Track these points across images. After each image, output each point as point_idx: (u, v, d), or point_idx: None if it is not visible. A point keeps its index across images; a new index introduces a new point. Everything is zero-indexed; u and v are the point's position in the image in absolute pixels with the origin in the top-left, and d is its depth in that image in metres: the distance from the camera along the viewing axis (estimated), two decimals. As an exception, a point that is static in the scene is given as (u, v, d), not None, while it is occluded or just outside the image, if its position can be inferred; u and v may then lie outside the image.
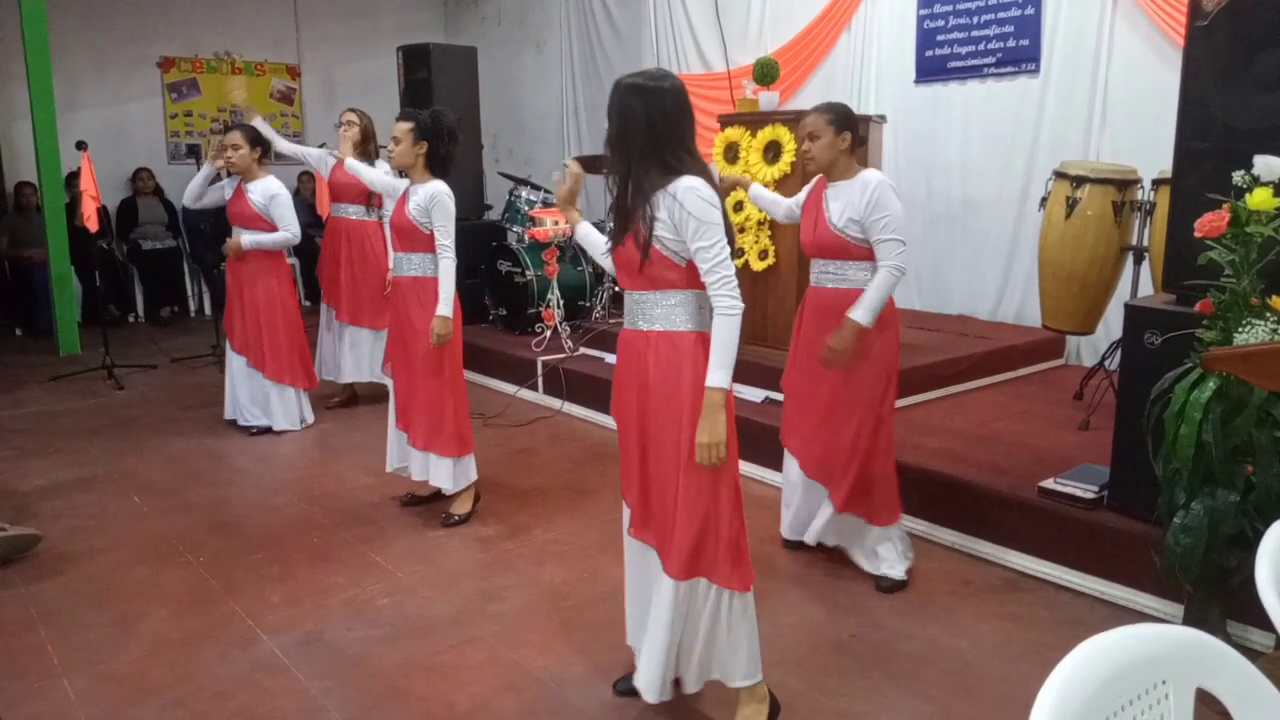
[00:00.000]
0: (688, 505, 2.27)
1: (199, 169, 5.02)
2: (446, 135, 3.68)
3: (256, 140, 4.92)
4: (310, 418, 5.25)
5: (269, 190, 4.88)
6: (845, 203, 3.09)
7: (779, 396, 4.29)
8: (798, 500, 3.44)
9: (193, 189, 5.03)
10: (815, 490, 3.35)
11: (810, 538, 3.40)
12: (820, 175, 3.25)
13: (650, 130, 2.20)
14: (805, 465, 3.34)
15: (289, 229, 4.90)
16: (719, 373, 2.20)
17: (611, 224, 2.35)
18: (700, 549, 2.29)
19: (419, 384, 3.78)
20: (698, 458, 2.22)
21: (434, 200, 3.63)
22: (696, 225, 2.16)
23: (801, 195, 3.36)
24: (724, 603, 2.35)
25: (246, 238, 4.87)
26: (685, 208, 2.16)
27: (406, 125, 3.62)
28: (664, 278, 2.24)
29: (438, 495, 3.97)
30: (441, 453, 3.80)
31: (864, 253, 3.09)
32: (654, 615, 2.36)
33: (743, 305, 2.21)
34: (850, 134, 3.11)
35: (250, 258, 4.93)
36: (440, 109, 3.75)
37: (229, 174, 4.98)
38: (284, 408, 5.10)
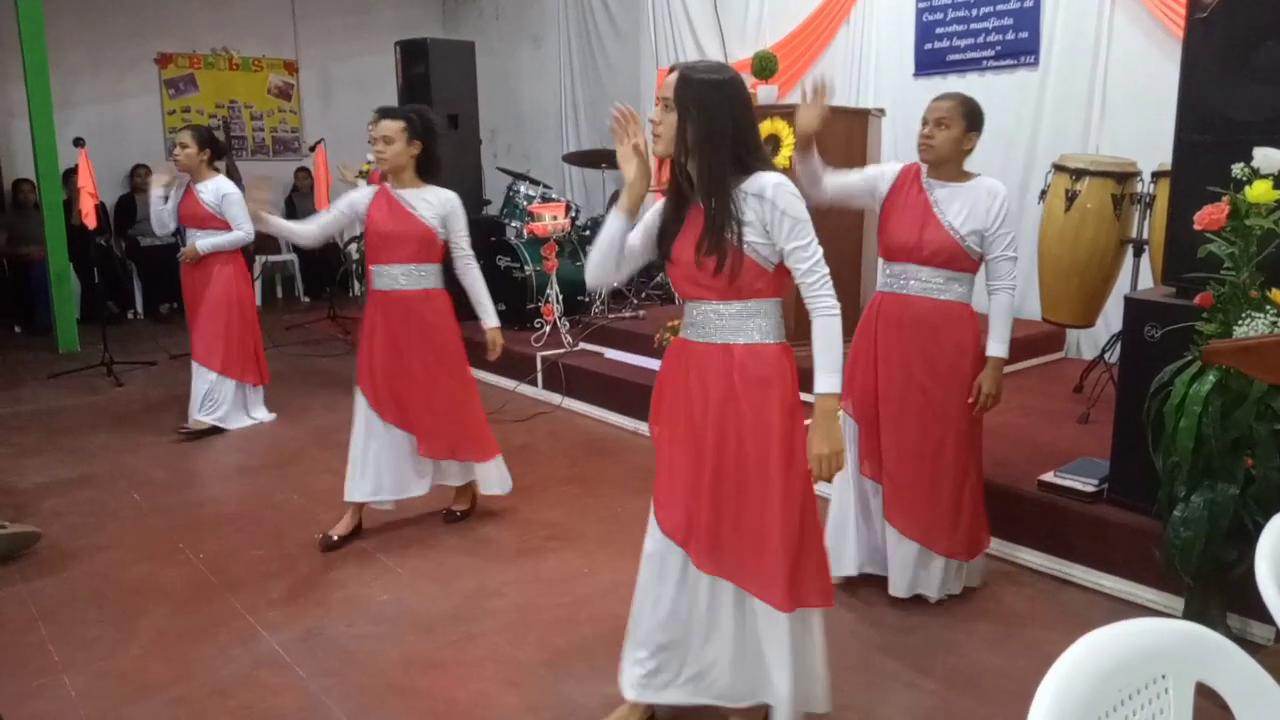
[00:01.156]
0: (784, 529, 2.14)
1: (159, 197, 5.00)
2: (437, 133, 3.52)
3: (206, 142, 4.88)
4: (265, 416, 5.24)
5: (220, 189, 4.87)
6: (967, 209, 2.83)
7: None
8: (864, 529, 3.13)
9: (157, 217, 5.02)
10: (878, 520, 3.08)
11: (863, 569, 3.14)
12: (905, 166, 2.97)
13: (737, 127, 2.07)
14: (895, 518, 3.00)
15: (242, 227, 4.88)
16: (831, 377, 2.09)
17: (661, 230, 2.20)
18: (800, 573, 2.17)
19: (457, 399, 3.66)
20: (817, 471, 2.12)
21: (453, 209, 3.53)
22: (792, 224, 2.05)
23: (878, 178, 2.99)
24: (812, 623, 2.25)
25: (203, 242, 4.88)
26: (779, 206, 2.04)
27: (398, 124, 3.39)
28: (752, 287, 2.10)
29: (357, 531, 3.69)
30: (490, 458, 3.72)
31: (972, 264, 2.87)
32: (775, 653, 2.18)
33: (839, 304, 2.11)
34: (977, 136, 2.88)
35: (207, 259, 4.94)
36: (423, 106, 3.55)
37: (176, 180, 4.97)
38: (233, 406, 5.08)
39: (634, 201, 2.14)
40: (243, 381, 5.10)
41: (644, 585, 2.32)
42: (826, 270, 2.10)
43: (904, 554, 3.01)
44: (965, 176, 2.92)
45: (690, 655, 2.29)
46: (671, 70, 2.12)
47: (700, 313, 2.18)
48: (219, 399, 5.04)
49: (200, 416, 5.01)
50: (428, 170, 3.54)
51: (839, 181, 2.98)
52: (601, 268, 2.22)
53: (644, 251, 2.26)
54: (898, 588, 3.04)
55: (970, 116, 2.87)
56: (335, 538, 3.59)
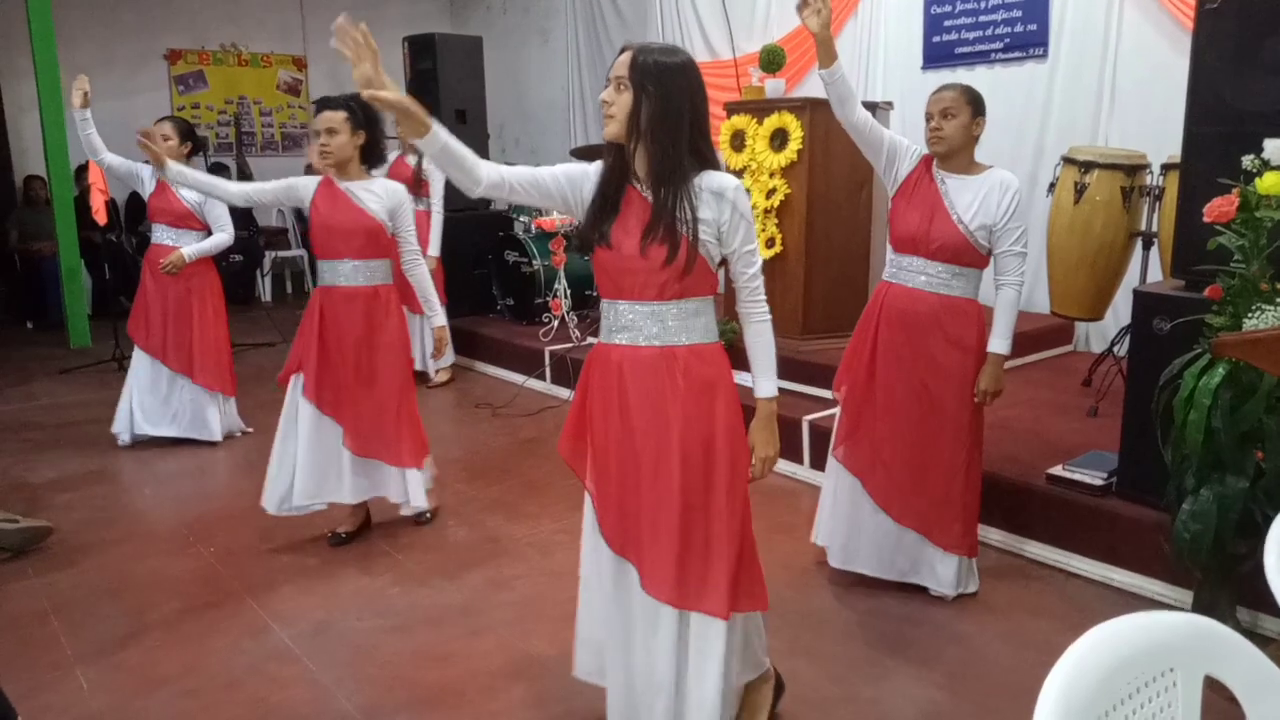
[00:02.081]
0: (729, 534, 2.06)
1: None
2: (380, 122, 3.37)
3: (187, 134, 4.62)
4: (237, 426, 4.97)
5: None
6: (978, 202, 2.80)
7: (788, 385, 4.30)
8: (849, 525, 3.10)
9: (87, 141, 4.43)
10: (873, 513, 3.04)
11: (864, 568, 3.10)
12: (925, 155, 2.95)
13: (694, 113, 1.96)
14: (891, 506, 3.00)
15: (225, 230, 4.65)
16: (771, 382, 2.12)
17: (594, 213, 2.06)
18: (739, 579, 2.09)
19: (393, 400, 3.50)
20: (757, 472, 2.12)
21: (402, 203, 3.45)
22: (748, 228, 2.01)
23: (900, 150, 2.96)
24: (746, 621, 2.21)
25: (189, 249, 4.58)
26: (739, 209, 1.98)
27: (340, 115, 3.27)
28: (698, 285, 2.02)
29: (366, 526, 3.69)
30: (418, 464, 3.57)
31: (980, 259, 2.86)
32: (707, 667, 2.07)
33: None
34: (983, 121, 2.86)
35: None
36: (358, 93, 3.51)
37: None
38: (207, 417, 4.78)
39: (419, 123, 1.90)
40: (227, 394, 4.88)
41: (587, 600, 2.26)
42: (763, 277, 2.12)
43: (900, 540, 3.02)
44: (977, 168, 2.90)
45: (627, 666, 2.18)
46: (623, 51, 1.98)
47: (635, 314, 2.04)
48: (204, 411, 4.78)
49: (173, 432, 4.75)
50: (371, 160, 3.45)
51: (873, 122, 2.92)
52: (460, 183, 2.01)
53: (551, 197, 2.08)
54: (889, 570, 3.06)
55: (974, 103, 2.88)
56: (344, 534, 3.58)
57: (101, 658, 2.78)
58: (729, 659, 2.12)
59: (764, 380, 2.12)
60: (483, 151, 7.29)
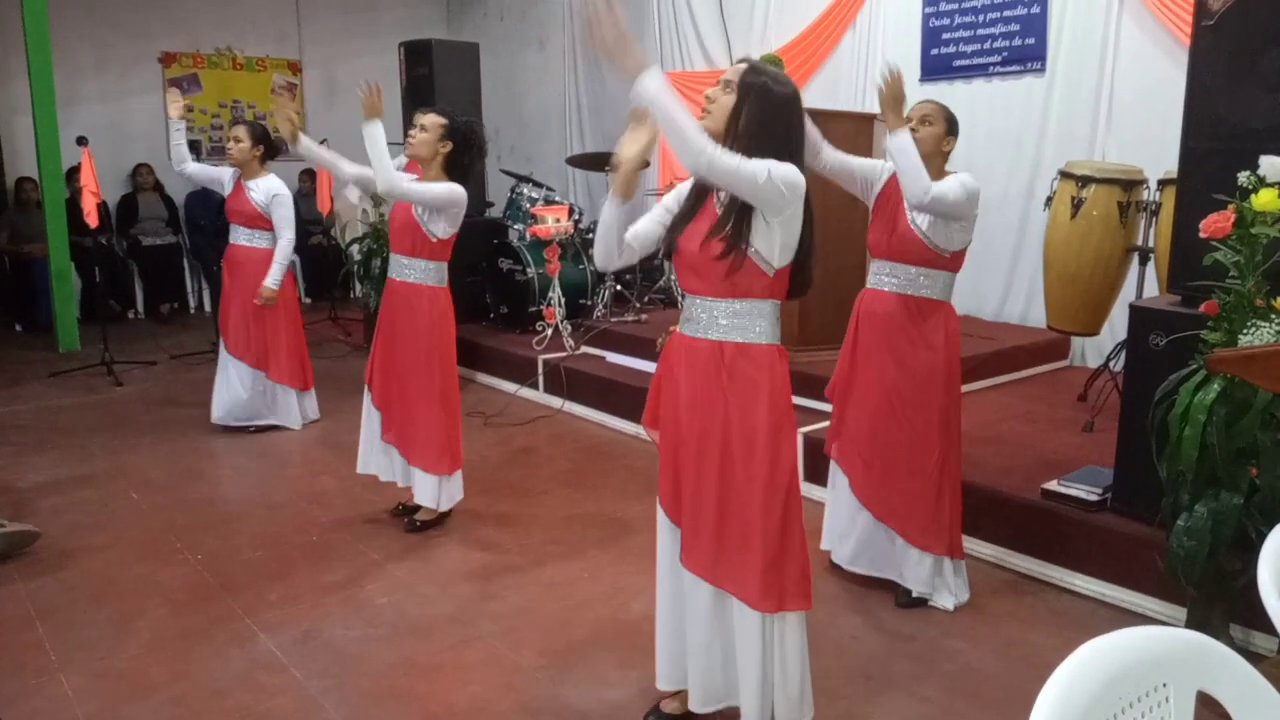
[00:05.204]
0: (765, 530, 2.17)
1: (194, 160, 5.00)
2: (475, 146, 3.57)
3: (259, 138, 4.85)
4: (314, 414, 5.24)
5: (272, 189, 4.83)
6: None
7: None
8: (849, 522, 3.20)
9: (179, 154, 4.90)
10: (860, 509, 3.15)
11: (852, 563, 3.22)
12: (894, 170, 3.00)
13: (787, 134, 2.12)
14: (872, 503, 3.11)
15: (284, 234, 4.85)
16: (657, 80, 1.96)
17: (676, 218, 2.23)
18: (781, 576, 2.20)
19: (414, 397, 3.65)
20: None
21: (444, 206, 3.52)
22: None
23: (876, 171, 3.08)
24: (788, 630, 2.27)
25: (272, 280, 4.81)
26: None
27: (438, 119, 3.51)
28: (748, 286, 2.14)
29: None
30: (432, 470, 3.66)
31: (942, 260, 2.96)
32: (745, 654, 2.23)
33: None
34: (954, 140, 2.99)
35: (253, 262, 4.86)
36: (476, 120, 3.60)
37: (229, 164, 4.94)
38: (287, 406, 5.09)
39: (625, 185, 2.15)
40: (291, 386, 5.06)
41: (659, 577, 2.40)
42: (740, 161, 1.99)
43: (880, 537, 3.12)
44: (943, 176, 2.97)
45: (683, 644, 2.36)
46: (740, 61, 2.17)
47: (698, 308, 2.21)
48: (277, 401, 5.05)
49: (261, 421, 5.05)
50: (452, 174, 3.57)
51: (840, 158, 3.06)
52: (604, 253, 2.25)
53: (659, 237, 2.28)
54: (875, 568, 3.17)
55: (950, 120, 2.99)
56: (403, 506, 3.85)
57: (87, 665, 2.76)
58: (766, 659, 2.22)
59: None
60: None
